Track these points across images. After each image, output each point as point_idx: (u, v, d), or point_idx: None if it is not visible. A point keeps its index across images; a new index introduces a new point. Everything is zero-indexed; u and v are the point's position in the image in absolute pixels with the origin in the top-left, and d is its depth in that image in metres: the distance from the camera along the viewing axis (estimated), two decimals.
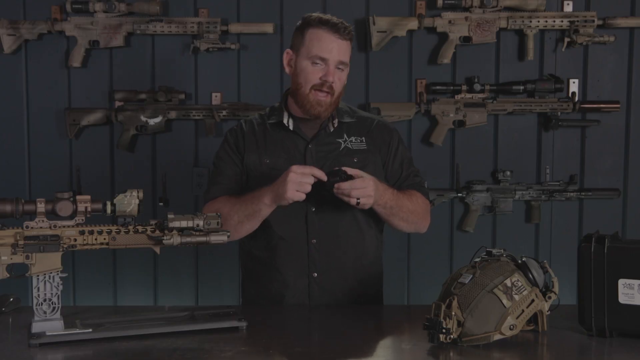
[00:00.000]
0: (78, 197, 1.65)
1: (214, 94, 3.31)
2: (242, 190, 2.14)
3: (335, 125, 2.16)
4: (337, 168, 1.99)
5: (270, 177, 2.10)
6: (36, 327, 1.64)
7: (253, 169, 2.15)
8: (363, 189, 1.95)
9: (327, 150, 2.13)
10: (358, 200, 1.96)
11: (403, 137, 3.21)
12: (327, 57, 2.06)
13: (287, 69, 2.15)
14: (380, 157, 2.18)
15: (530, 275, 1.66)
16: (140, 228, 1.69)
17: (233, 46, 3.24)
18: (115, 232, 1.68)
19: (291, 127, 2.15)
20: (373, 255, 2.21)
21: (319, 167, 2.08)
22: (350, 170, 1.97)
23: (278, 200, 1.98)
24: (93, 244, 1.68)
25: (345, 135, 2.16)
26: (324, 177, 1.96)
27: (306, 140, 2.14)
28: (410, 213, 2.13)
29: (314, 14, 2.11)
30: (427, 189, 2.25)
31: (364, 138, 2.17)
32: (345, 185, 1.94)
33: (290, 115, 2.16)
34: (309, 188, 1.94)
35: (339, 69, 2.08)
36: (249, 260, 2.23)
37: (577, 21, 3.20)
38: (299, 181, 1.92)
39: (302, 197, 1.95)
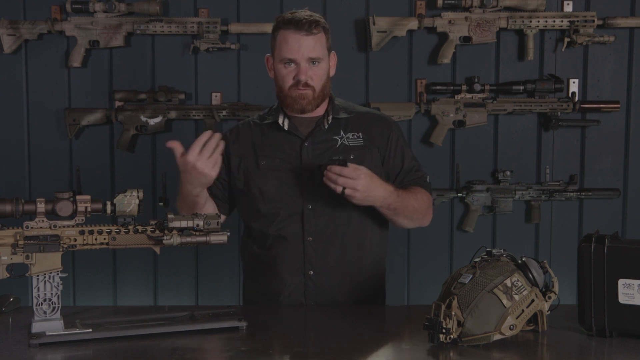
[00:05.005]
0: (78, 197, 1.65)
1: (214, 94, 3.31)
2: (224, 191, 2.20)
3: (330, 121, 2.16)
4: (342, 157, 1.98)
5: (267, 178, 2.11)
6: (36, 327, 1.64)
7: (250, 171, 2.15)
8: (352, 179, 1.93)
9: (323, 147, 2.13)
10: (343, 189, 1.93)
11: None
12: (295, 57, 2.07)
13: (270, 74, 2.18)
14: (378, 153, 2.17)
15: (530, 275, 1.66)
16: (140, 228, 1.69)
17: (233, 46, 3.24)
18: (115, 232, 1.68)
19: (286, 127, 2.15)
20: (373, 255, 2.20)
21: (317, 162, 2.09)
22: (356, 166, 1.96)
23: (207, 184, 2.00)
24: (93, 244, 1.68)
25: (342, 132, 2.16)
26: (206, 141, 1.91)
27: (301, 139, 2.14)
28: (415, 211, 2.13)
29: (284, 14, 2.11)
30: (430, 184, 2.24)
31: (361, 134, 2.16)
32: (335, 169, 1.93)
33: (286, 115, 2.17)
34: (217, 156, 1.91)
35: (312, 64, 2.08)
36: (249, 257, 2.24)
37: (577, 21, 3.20)
38: (208, 164, 1.91)
39: (215, 171, 1.93)
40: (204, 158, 1.90)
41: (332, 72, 2.19)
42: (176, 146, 1.93)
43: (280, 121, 2.16)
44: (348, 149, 2.13)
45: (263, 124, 2.20)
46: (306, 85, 2.08)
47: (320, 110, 2.17)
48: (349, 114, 2.19)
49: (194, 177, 1.95)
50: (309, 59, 2.07)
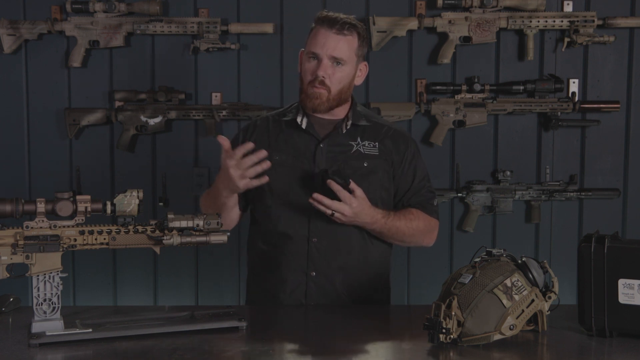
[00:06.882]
0: (78, 197, 1.65)
1: (214, 94, 3.31)
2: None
3: (349, 126, 2.15)
4: (344, 177, 1.99)
5: (277, 174, 2.10)
6: (36, 327, 1.64)
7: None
8: (342, 205, 1.97)
9: (338, 151, 2.12)
10: (332, 212, 1.98)
11: None
12: (318, 52, 2.07)
13: (299, 68, 2.16)
14: (391, 166, 2.16)
15: (530, 275, 1.66)
16: (140, 228, 1.69)
17: (233, 46, 3.24)
18: (115, 232, 1.68)
19: (303, 126, 2.15)
20: (377, 259, 2.19)
21: (328, 167, 2.08)
22: (355, 187, 1.98)
23: (235, 191, 2.03)
24: (93, 244, 1.68)
25: (358, 139, 2.15)
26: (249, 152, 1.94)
27: (317, 140, 2.14)
28: (406, 236, 2.14)
29: (324, 12, 2.11)
30: (437, 207, 2.23)
31: (377, 144, 2.16)
32: (334, 186, 1.96)
33: (305, 114, 2.16)
34: (253, 172, 1.96)
35: (336, 64, 2.07)
36: (254, 252, 2.24)
37: (577, 21, 3.20)
38: (239, 173, 1.95)
39: (243, 186, 1.97)
40: (241, 168, 1.95)
41: (359, 82, 2.19)
42: (224, 143, 1.97)
43: (298, 119, 2.15)
44: (362, 157, 2.13)
45: (282, 120, 2.19)
46: (322, 83, 2.07)
47: (340, 113, 2.16)
48: (368, 122, 2.18)
49: (225, 179, 1.98)
50: (332, 57, 2.06)
